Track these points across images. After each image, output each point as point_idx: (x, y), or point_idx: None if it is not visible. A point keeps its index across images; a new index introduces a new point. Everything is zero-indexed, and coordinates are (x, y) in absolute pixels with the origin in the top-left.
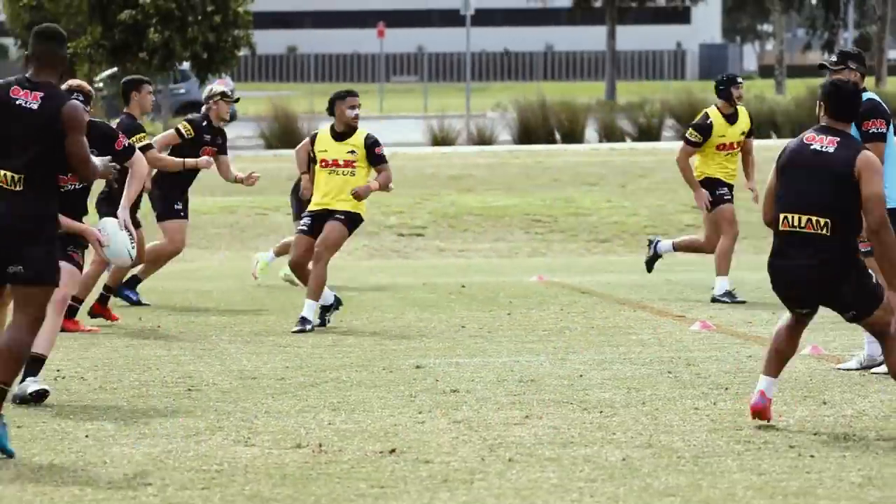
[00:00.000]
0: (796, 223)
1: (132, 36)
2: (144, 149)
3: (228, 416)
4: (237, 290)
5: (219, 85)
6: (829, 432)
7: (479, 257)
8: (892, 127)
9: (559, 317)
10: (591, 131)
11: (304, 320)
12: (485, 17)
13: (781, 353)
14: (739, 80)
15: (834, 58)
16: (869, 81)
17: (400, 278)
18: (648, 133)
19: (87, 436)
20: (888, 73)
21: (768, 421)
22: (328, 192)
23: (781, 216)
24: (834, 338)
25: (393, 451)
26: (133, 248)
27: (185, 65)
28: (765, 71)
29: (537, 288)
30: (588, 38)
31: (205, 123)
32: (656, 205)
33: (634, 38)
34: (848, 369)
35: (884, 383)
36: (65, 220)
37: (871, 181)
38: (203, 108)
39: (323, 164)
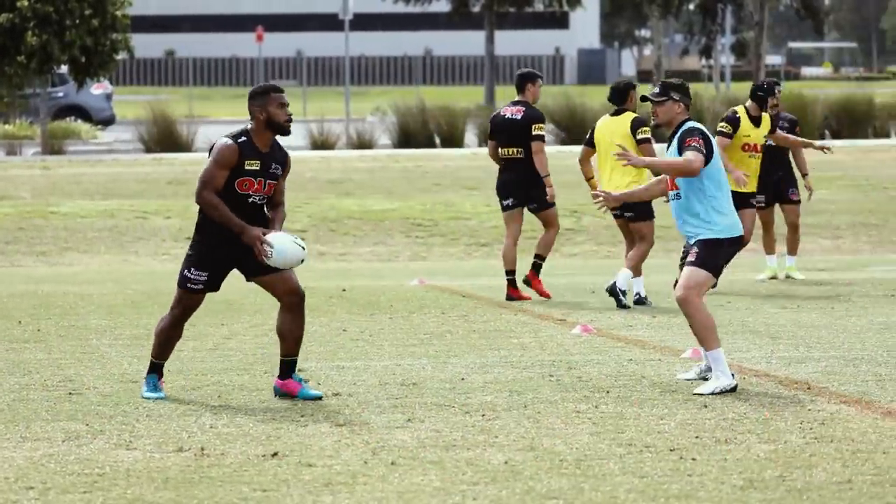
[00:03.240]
0: None
1: (10, 39)
2: (538, 137)
3: (110, 420)
4: (117, 293)
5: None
6: (710, 435)
7: (360, 261)
8: (713, 147)
9: (440, 320)
10: (470, 136)
11: None
12: (363, 22)
13: None
14: (779, 88)
15: (657, 89)
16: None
17: None
18: None
19: None
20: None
21: None
22: None
23: None
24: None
25: (275, 454)
26: (298, 241)
27: (63, 68)
28: (643, 76)
29: (418, 292)
30: (467, 43)
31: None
32: None
33: (513, 42)
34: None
35: (764, 387)
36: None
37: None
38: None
39: None
